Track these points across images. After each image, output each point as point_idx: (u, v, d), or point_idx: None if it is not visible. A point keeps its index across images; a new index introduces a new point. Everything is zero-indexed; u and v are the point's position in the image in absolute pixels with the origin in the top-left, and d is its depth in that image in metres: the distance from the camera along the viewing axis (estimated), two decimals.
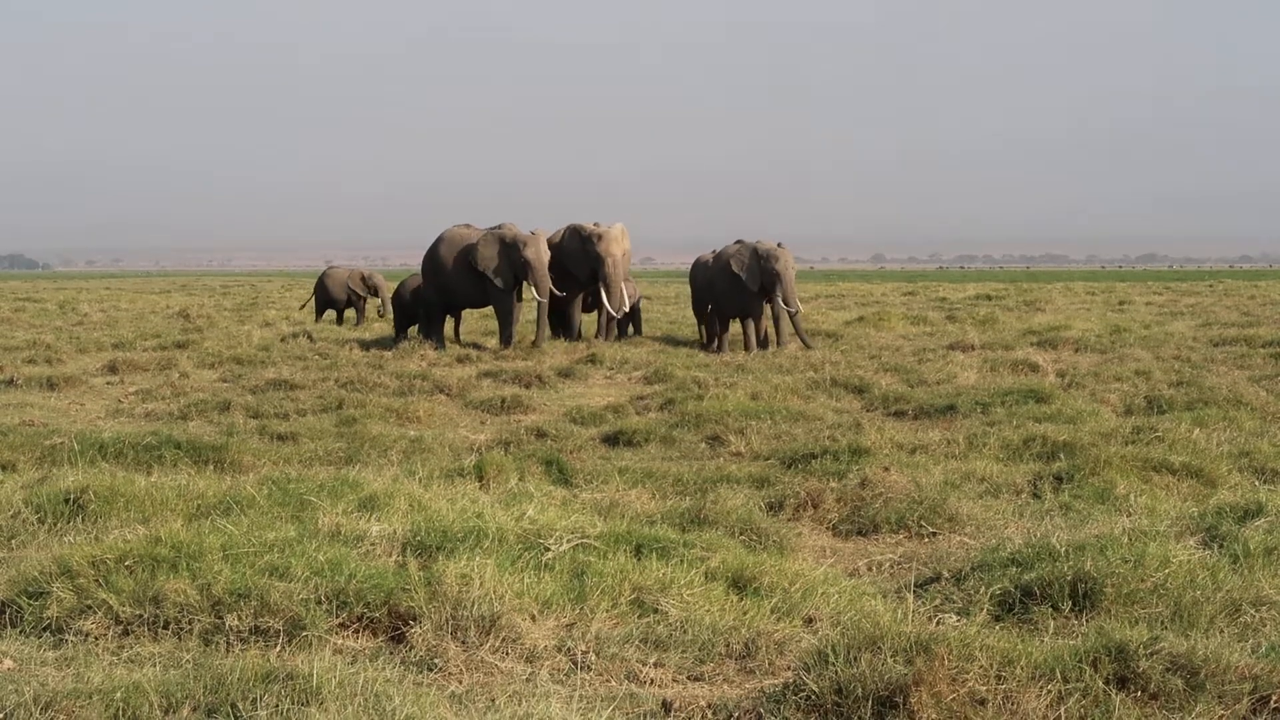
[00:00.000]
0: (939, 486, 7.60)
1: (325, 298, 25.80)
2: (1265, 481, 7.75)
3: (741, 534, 6.50)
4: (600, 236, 19.02)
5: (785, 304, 18.37)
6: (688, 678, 4.64)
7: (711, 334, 19.73)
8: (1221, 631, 4.75)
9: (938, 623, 4.81)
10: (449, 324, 20.74)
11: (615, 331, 19.70)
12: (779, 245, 18.73)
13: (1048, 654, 4.17)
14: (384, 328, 23.58)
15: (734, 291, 18.57)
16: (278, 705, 4.00)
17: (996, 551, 5.83)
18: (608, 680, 4.60)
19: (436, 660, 4.69)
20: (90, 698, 4.07)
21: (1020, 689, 4.01)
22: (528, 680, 4.56)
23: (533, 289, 18.64)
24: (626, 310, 19.40)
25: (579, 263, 19.18)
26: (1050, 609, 5.07)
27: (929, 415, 11.23)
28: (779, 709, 4.09)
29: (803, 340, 18.71)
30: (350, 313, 26.07)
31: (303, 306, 26.37)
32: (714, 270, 19.05)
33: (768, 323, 18.95)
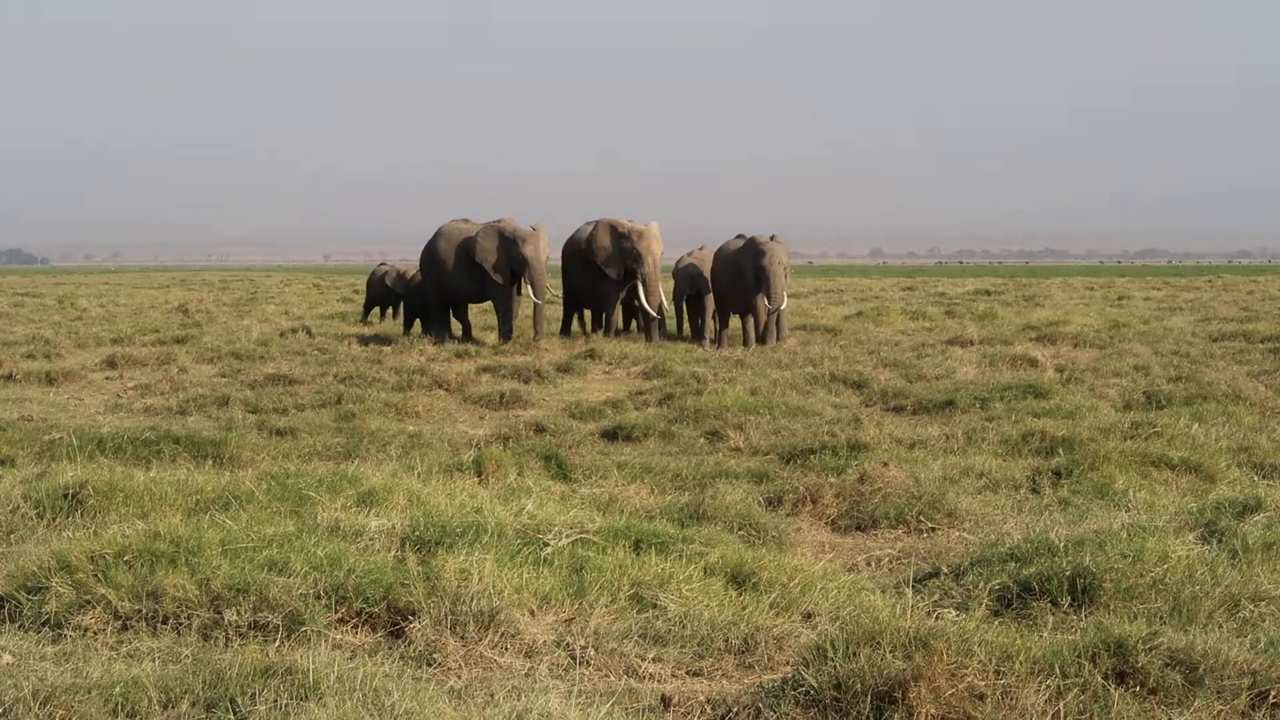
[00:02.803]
0: (938, 482, 7.59)
1: (371, 294, 25.94)
2: (1264, 477, 7.75)
3: (740, 529, 6.50)
4: (640, 234, 18.65)
5: (766, 299, 18.17)
6: (687, 673, 4.65)
7: (696, 329, 19.66)
8: (1220, 627, 4.75)
9: (936, 618, 4.80)
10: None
11: (655, 332, 19.04)
12: (772, 238, 18.60)
13: (1046, 649, 4.17)
14: (382, 325, 23.59)
15: (736, 286, 18.48)
16: (276, 700, 4.00)
17: (995, 547, 5.83)
18: (607, 675, 4.60)
19: (435, 655, 4.70)
20: (89, 693, 4.07)
21: (1019, 684, 4.01)
22: (527, 675, 4.56)
23: (529, 287, 18.54)
24: (668, 308, 18.86)
25: (614, 260, 18.85)
26: (1049, 604, 5.07)
27: (928, 410, 11.24)
28: (778, 704, 4.09)
29: (769, 336, 18.20)
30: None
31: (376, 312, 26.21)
32: (718, 265, 18.99)
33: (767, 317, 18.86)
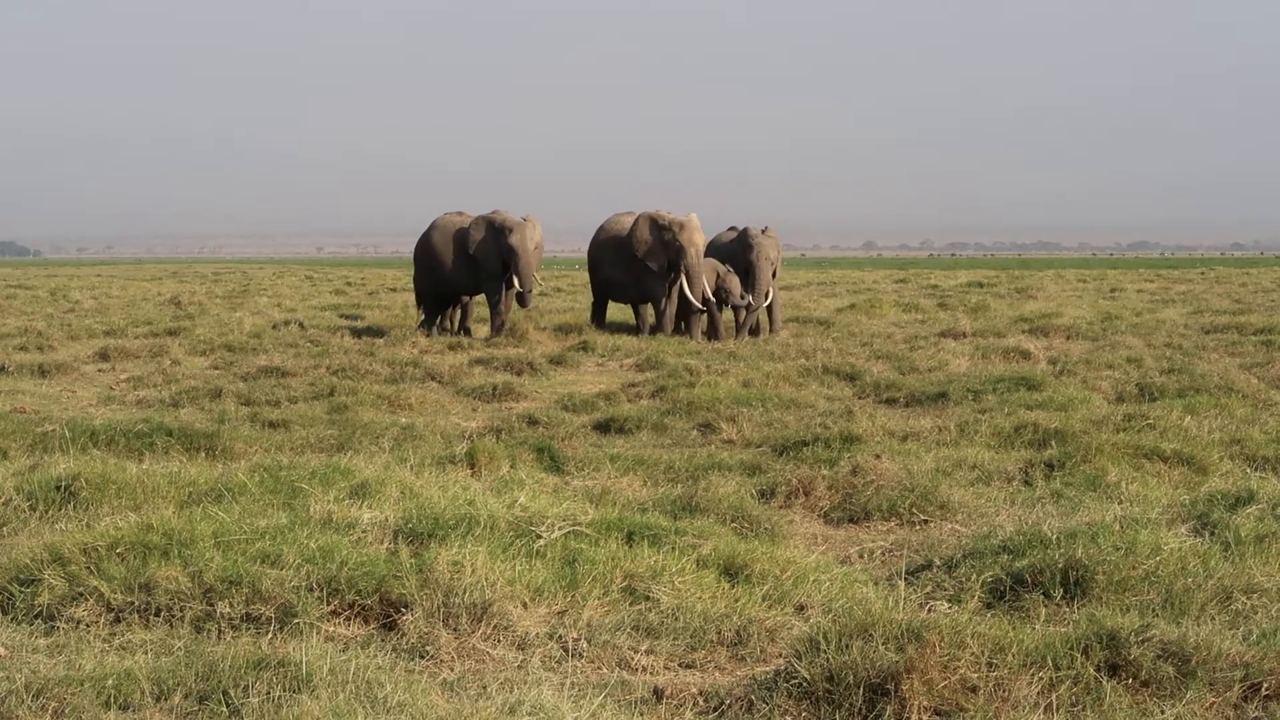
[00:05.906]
0: (930, 474, 7.60)
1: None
2: (1256, 469, 7.77)
3: (733, 521, 6.50)
4: (682, 226, 18.41)
5: (750, 295, 18.07)
6: (679, 665, 4.65)
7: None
8: (1213, 619, 4.76)
9: (929, 610, 4.82)
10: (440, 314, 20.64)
11: (697, 326, 18.73)
12: (764, 231, 18.52)
13: (1039, 641, 4.18)
14: (378, 317, 23.56)
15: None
16: (269, 692, 4.00)
17: (988, 539, 5.84)
18: (599, 667, 4.60)
19: (428, 647, 4.69)
20: (82, 685, 4.07)
21: (1011, 676, 4.02)
22: (519, 667, 4.56)
23: (515, 278, 18.43)
24: (712, 301, 18.67)
25: (656, 253, 18.55)
26: (1042, 596, 5.08)
27: (921, 403, 11.25)
28: (771, 696, 4.09)
29: (753, 327, 18.27)
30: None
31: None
32: (711, 256, 18.95)
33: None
